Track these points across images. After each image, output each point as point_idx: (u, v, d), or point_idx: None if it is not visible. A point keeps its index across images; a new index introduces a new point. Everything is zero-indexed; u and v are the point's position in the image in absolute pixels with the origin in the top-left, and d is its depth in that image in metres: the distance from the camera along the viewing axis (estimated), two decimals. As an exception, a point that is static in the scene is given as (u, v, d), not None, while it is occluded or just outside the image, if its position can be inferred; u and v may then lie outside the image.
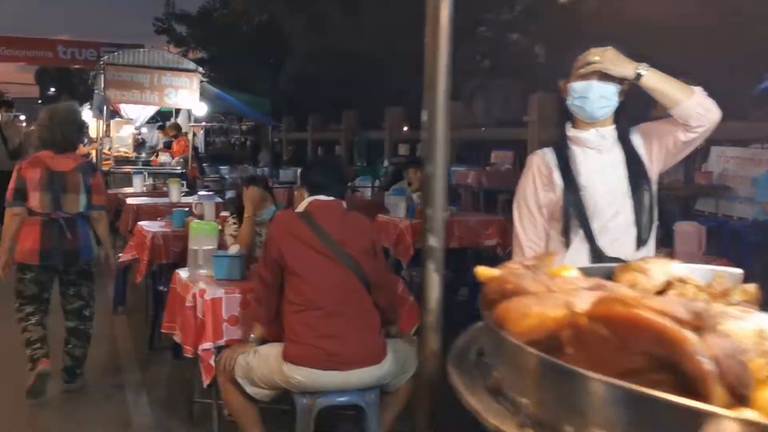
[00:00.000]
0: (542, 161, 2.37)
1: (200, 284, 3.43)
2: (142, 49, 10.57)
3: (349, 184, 12.00)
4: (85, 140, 10.34)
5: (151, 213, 6.93)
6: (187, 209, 5.62)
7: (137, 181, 8.52)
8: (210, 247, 3.68)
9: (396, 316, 3.31)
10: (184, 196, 7.46)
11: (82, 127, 4.32)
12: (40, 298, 4.06)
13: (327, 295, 2.99)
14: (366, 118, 17.12)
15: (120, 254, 5.91)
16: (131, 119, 11.76)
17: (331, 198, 3.17)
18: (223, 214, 5.74)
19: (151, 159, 10.84)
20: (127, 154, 10.80)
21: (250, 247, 3.90)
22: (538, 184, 2.36)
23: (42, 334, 4.02)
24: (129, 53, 10.05)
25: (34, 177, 3.92)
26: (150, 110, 11.50)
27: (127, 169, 9.93)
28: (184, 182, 7.66)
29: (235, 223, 4.14)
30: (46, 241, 3.90)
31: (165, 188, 8.57)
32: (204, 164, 12.67)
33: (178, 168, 10.35)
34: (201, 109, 10.45)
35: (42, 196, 3.93)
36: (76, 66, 31.84)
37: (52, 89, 50.22)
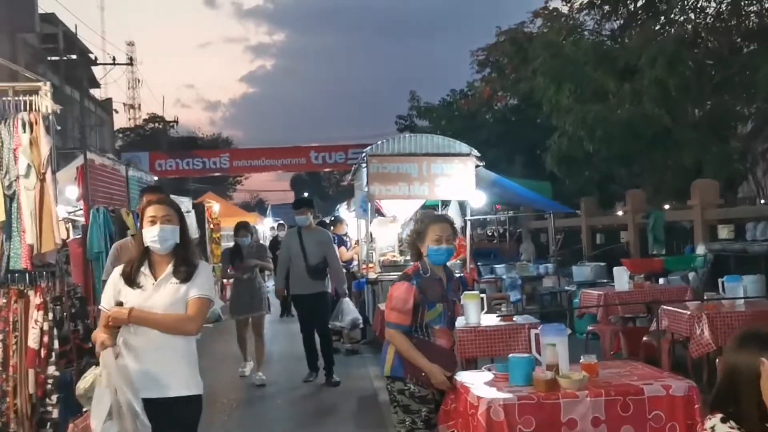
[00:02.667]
0: None
1: None
2: (407, 135, 9.13)
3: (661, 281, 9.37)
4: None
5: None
6: (527, 356, 3.54)
7: (415, 293, 6.76)
8: None
9: None
10: (484, 314, 5.61)
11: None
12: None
13: None
14: (651, 196, 14.29)
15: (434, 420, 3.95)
16: (394, 217, 10.29)
17: None
18: (587, 360, 3.60)
19: (421, 262, 9.16)
20: (394, 258, 9.26)
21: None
22: None
23: None
24: (394, 141, 8.62)
25: None
26: (415, 205, 9.95)
27: (396, 275, 8.31)
28: (483, 296, 5.67)
29: None
30: None
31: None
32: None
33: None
34: (479, 199, 8.58)
35: None
36: (326, 169, 32.84)
37: (305, 194, 53.38)
